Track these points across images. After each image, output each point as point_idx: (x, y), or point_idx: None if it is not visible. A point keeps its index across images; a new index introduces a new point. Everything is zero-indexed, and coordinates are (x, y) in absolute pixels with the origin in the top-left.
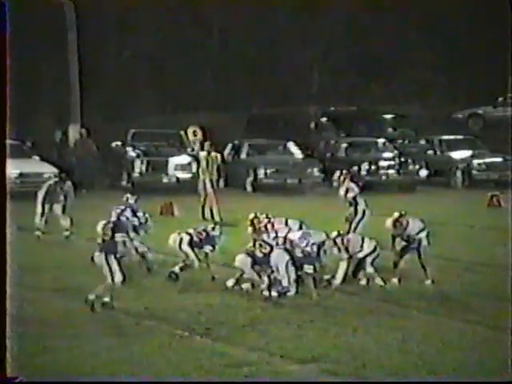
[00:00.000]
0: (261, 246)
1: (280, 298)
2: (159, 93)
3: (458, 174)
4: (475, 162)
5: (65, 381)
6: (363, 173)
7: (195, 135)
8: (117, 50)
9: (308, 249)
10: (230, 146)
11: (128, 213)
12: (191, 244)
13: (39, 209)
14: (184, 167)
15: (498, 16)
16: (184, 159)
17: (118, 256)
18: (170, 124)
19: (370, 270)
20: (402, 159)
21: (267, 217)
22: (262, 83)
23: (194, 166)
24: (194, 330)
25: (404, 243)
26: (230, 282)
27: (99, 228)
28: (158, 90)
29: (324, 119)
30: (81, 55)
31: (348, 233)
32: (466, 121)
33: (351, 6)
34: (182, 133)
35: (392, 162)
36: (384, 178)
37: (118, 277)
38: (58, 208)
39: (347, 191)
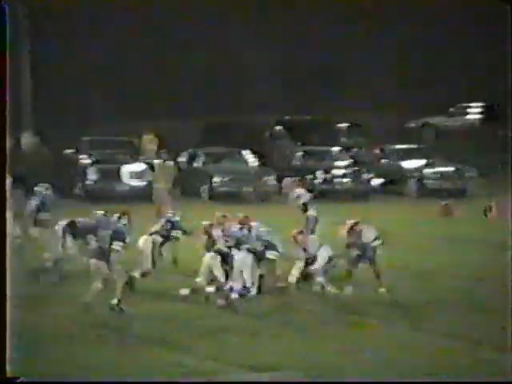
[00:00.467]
0: (226, 241)
1: (242, 299)
2: (114, 100)
3: (411, 182)
4: (428, 171)
5: (65, 381)
6: (318, 181)
7: (150, 143)
8: (70, 56)
9: (269, 238)
10: (185, 153)
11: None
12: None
13: None
14: (138, 175)
15: (448, 23)
16: (138, 167)
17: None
18: (124, 132)
19: (320, 279)
20: (356, 168)
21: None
22: (219, 91)
23: (149, 174)
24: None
25: (358, 252)
26: (186, 291)
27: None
28: (112, 97)
29: (279, 128)
30: (33, 60)
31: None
32: (419, 130)
33: (304, 15)
34: (137, 140)
35: (346, 171)
36: (338, 186)
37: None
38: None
39: (298, 198)
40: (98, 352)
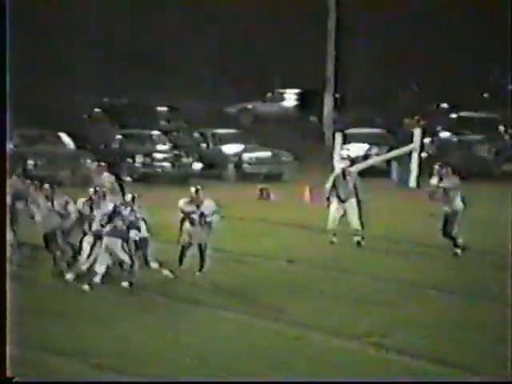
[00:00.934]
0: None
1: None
2: None
3: (230, 167)
4: (246, 155)
5: (65, 381)
6: (137, 165)
7: None
8: None
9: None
10: None
11: None
12: None
13: None
14: None
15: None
16: None
17: None
18: None
19: (154, 265)
20: (177, 152)
21: None
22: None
23: None
24: None
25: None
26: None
27: None
28: None
29: (98, 110)
30: None
31: None
32: (237, 115)
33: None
34: None
35: (166, 155)
36: (159, 170)
37: None
38: None
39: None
40: None
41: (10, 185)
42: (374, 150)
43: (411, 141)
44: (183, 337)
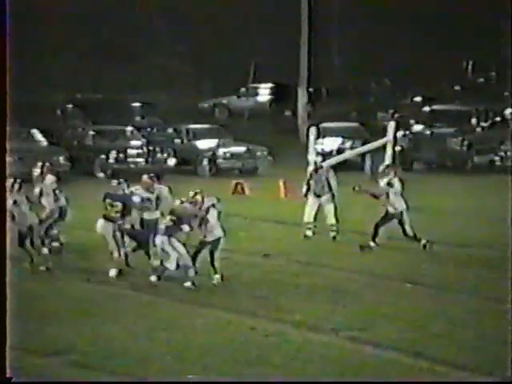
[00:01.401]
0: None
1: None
2: None
3: (205, 162)
4: (220, 150)
5: (65, 381)
6: (111, 161)
7: None
8: None
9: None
10: None
11: None
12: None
13: None
14: None
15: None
16: None
17: None
18: None
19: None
20: (151, 148)
21: None
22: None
23: None
24: None
25: None
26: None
27: None
28: None
29: (70, 106)
30: None
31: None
32: (212, 110)
33: None
34: None
35: (140, 151)
36: (133, 166)
37: None
38: None
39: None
40: None
41: None
42: (348, 144)
43: (385, 134)
44: (158, 333)
